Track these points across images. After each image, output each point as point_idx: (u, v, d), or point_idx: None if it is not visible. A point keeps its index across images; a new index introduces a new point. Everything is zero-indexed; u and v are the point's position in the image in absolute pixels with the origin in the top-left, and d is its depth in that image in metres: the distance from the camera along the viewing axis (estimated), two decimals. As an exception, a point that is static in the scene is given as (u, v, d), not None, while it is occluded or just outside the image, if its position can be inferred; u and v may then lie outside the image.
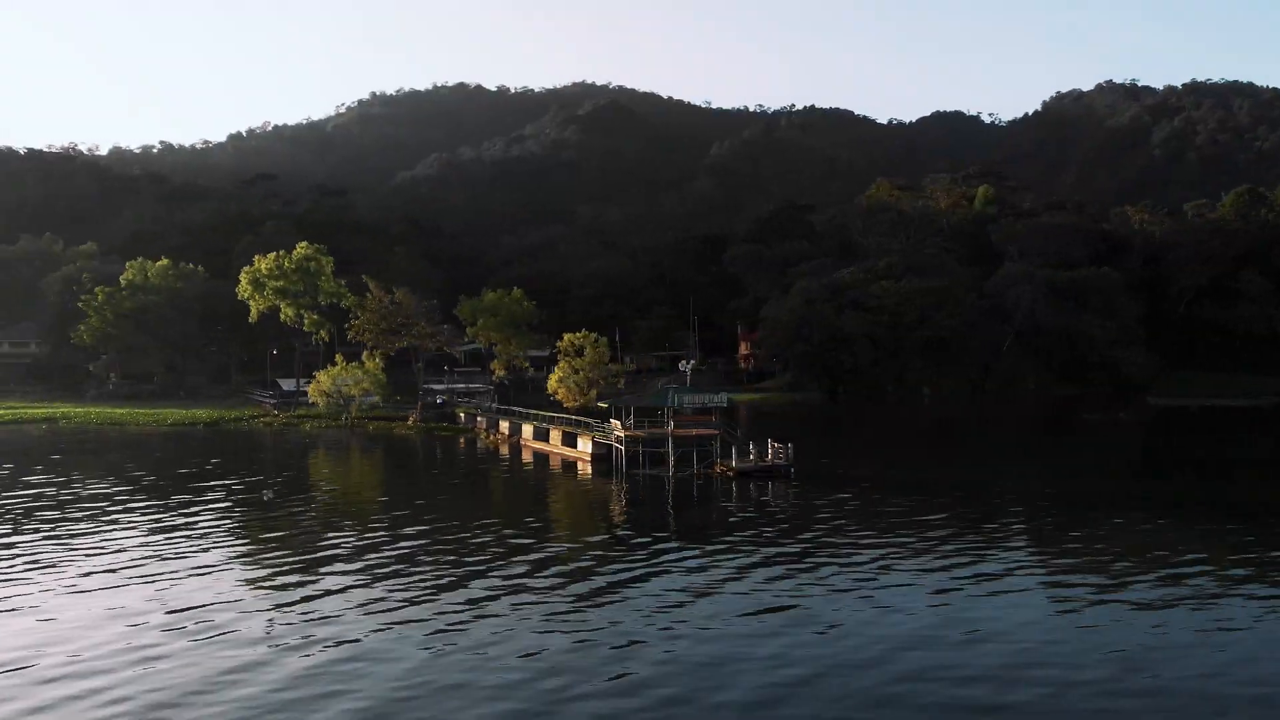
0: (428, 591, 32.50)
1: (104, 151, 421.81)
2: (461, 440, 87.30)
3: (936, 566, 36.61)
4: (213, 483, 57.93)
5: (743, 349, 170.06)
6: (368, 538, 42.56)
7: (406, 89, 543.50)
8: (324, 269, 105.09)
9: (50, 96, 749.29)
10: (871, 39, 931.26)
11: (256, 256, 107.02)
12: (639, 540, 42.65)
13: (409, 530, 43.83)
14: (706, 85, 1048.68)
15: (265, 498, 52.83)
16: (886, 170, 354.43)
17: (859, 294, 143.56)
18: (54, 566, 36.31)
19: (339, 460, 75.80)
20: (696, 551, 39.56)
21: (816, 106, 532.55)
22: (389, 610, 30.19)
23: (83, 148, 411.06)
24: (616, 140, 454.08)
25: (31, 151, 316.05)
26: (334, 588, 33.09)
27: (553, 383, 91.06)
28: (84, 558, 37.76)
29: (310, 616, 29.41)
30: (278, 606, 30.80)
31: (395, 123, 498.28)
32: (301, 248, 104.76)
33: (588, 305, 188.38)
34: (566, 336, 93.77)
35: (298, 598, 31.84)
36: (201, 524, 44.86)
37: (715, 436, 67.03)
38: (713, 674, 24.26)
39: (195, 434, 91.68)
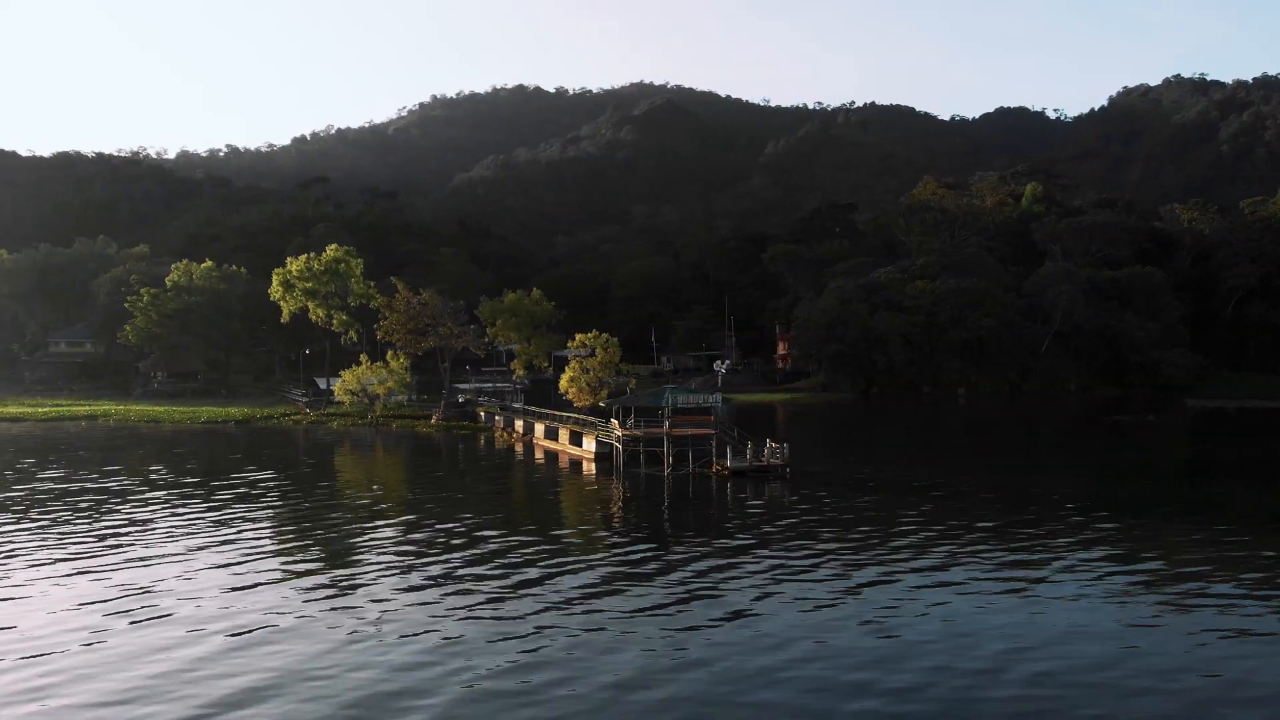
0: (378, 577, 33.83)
1: (172, 155, 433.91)
2: (480, 439, 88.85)
3: (888, 569, 36.60)
4: (228, 478, 59.85)
5: (780, 349, 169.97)
6: (354, 529, 44.14)
7: (466, 92, 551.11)
8: (353, 270, 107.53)
9: (123, 102, 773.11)
10: (935, 35, 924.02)
11: (289, 258, 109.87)
12: (610, 538, 43.84)
13: (389, 523, 45.33)
14: (766, 83, 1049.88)
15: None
16: (946, 168, 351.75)
17: (893, 294, 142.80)
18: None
19: (355, 456, 77.59)
20: (658, 549, 40.31)
21: (877, 103, 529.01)
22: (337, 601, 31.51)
23: (152, 152, 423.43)
24: (672, 140, 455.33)
25: (99, 155, 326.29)
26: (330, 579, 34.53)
27: (564, 383, 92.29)
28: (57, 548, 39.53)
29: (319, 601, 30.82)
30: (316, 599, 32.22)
31: (454, 125, 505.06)
32: (331, 250, 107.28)
33: (628, 305, 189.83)
34: (579, 336, 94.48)
35: (300, 588, 33.31)
36: (189, 515, 46.53)
37: (711, 436, 67.81)
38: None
39: (224, 431, 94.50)
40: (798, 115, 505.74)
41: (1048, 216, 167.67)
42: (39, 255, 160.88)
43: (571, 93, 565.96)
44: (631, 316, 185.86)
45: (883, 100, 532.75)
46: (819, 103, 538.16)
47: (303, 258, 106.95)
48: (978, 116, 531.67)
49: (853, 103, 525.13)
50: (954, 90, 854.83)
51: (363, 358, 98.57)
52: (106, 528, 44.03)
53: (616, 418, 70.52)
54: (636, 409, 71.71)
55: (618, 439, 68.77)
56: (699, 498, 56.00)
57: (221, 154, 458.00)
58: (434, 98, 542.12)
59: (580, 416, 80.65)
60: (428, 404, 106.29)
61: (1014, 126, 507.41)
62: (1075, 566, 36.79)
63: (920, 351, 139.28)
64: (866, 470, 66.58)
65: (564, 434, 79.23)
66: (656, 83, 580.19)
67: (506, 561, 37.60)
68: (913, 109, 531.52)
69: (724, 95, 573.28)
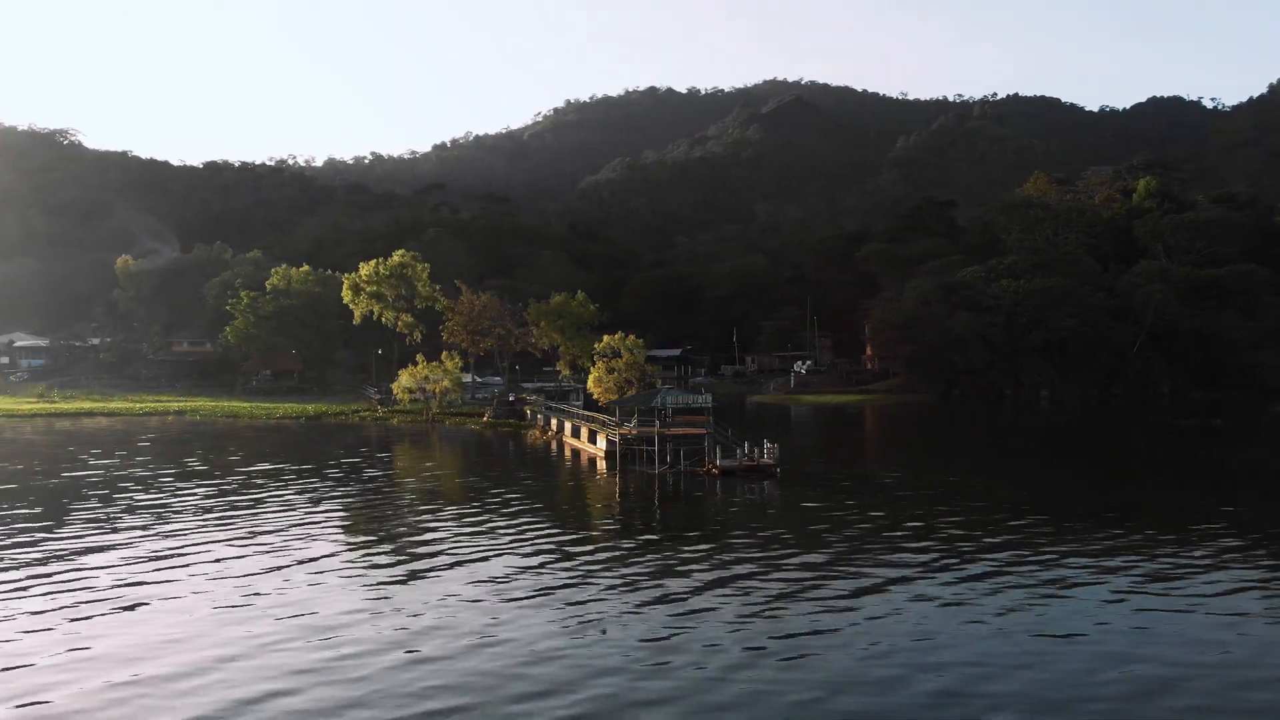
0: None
1: (319, 163, 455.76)
2: (522, 436, 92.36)
3: (843, 573, 36.17)
4: (263, 466, 64.55)
5: (868, 350, 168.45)
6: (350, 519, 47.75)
7: (599, 95, 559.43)
8: (419, 274, 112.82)
9: (276, 113, 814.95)
10: (1085, 22, 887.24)
11: (361, 263, 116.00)
12: (578, 530, 46.00)
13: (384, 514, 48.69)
14: (904, 77, 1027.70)
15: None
16: (1089, 160, 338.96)
17: (973, 293, 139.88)
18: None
19: (391, 448, 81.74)
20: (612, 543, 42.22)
21: (1020, 95, 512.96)
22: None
23: (301, 160, 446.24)
24: (799, 137, 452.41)
25: (245, 164, 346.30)
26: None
27: (590, 383, 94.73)
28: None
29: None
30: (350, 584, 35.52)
31: (586, 129, 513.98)
32: (398, 255, 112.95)
33: (718, 305, 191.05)
34: (605, 338, 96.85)
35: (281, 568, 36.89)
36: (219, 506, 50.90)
37: (704, 436, 69.33)
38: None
39: (292, 426, 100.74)
40: (933, 109, 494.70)
41: (1152, 213, 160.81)
42: (161, 260, 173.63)
43: (703, 92, 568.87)
44: (722, 316, 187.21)
45: (1026, 92, 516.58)
46: (958, 95, 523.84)
47: (372, 263, 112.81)
48: (1128, 107, 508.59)
49: (994, 95, 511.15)
50: (1104, 80, 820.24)
51: (419, 358, 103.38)
52: (114, 512, 48.66)
53: (616, 418, 72.83)
54: (646, 410, 73.97)
55: (620, 438, 71.20)
56: (680, 495, 57.39)
57: (366, 161, 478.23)
58: (567, 102, 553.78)
59: (601, 416, 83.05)
60: (483, 401, 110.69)
61: (1167, 117, 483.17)
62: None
63: (1001, 353, 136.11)
64: (861, 472, 66.88)
65: (584, 432, 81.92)
66: (790, 79, 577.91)
67: (426, 547, 40.14)
68: (1058, 100, 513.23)
69: (860, 90, 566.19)
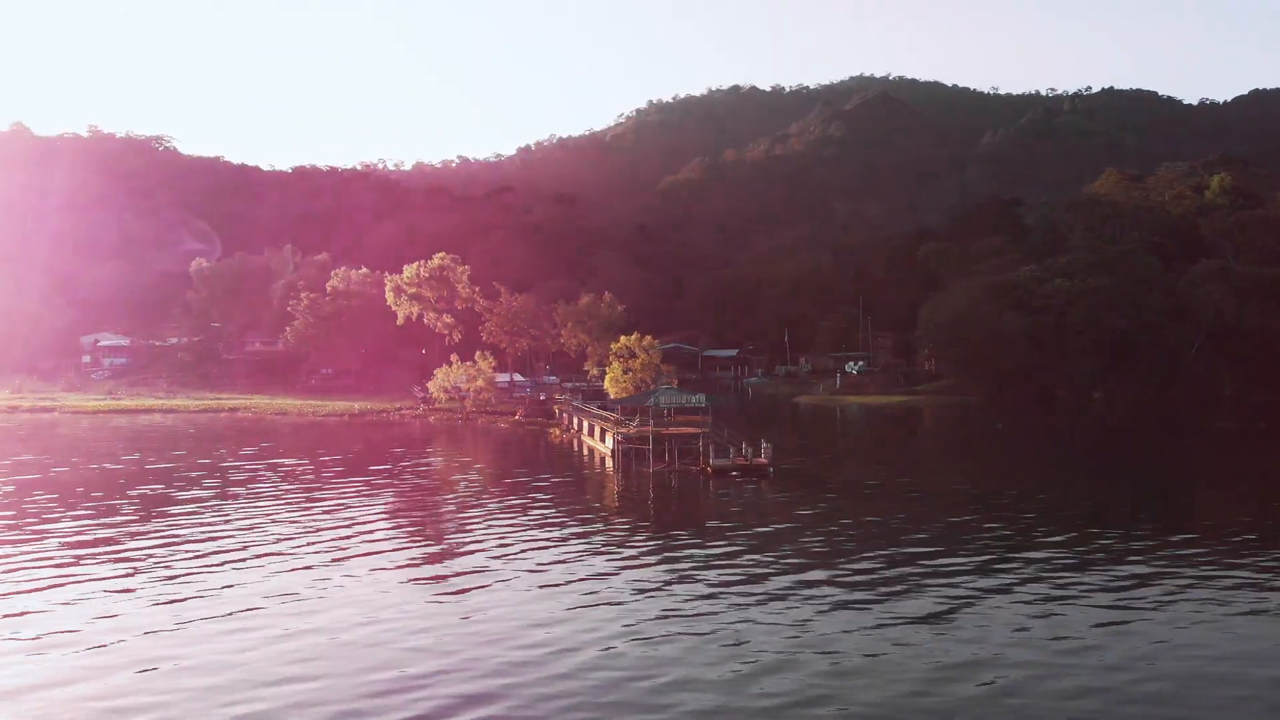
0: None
1: (408, 167, 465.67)
2: (547, 433, 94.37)
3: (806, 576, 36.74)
4: (269, 461, 67.79)
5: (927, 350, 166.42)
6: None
7: (682, 95, 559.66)
8: (460, 276, 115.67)
9: (366, 118, 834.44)
10: (1184, 13, 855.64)
11: (405, 266, 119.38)
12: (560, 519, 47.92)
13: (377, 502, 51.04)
14: (995, 71, 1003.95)
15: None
16: (1184, 155, 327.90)
17: (1024, 293, 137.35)
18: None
19: (423, 443, 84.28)
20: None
21: (1115, 88, 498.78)
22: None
23: (390, 164, 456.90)
24: (882, 133, 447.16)
25: (332, 169, 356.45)
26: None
27: (608, 382, 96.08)
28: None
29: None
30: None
31: (668, 129, 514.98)
32: (438, 258, 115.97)
33: (777, 305, 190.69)
34: (622, 339, 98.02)
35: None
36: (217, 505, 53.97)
37: (698, 435, 70.42)
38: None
39: (329, 423, 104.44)
40: (1023, 104, 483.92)
41: (1221, 210, 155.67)
42: (234, 262, 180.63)
43: (788, 90, 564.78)
44: (781, 316, 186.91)
45: (1123, 85, 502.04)
46: (1051, 89, 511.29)
47: (414, 265, 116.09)
48: (1229, 100, 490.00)
49: (1088, 88, 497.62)
50: (1205, 72, 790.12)
51: (453, 358, 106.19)
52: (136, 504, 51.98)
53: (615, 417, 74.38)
54: (649, 409, 75.40)
55: (621, 437, 72.79)
56: (669, 493, 58.62)
57: (454, 164, 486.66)
58: (649, 103, 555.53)
59: (612, 416, 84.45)
60: (520, 400, 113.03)
61: (1270, 109, 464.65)
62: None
63: (1052, 354, 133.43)
64: (856, 472, 67.19)
65: (597, 430, 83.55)
66: (877, 75, 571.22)
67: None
68: (1155, 94, 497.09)
69: (950, 84, 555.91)
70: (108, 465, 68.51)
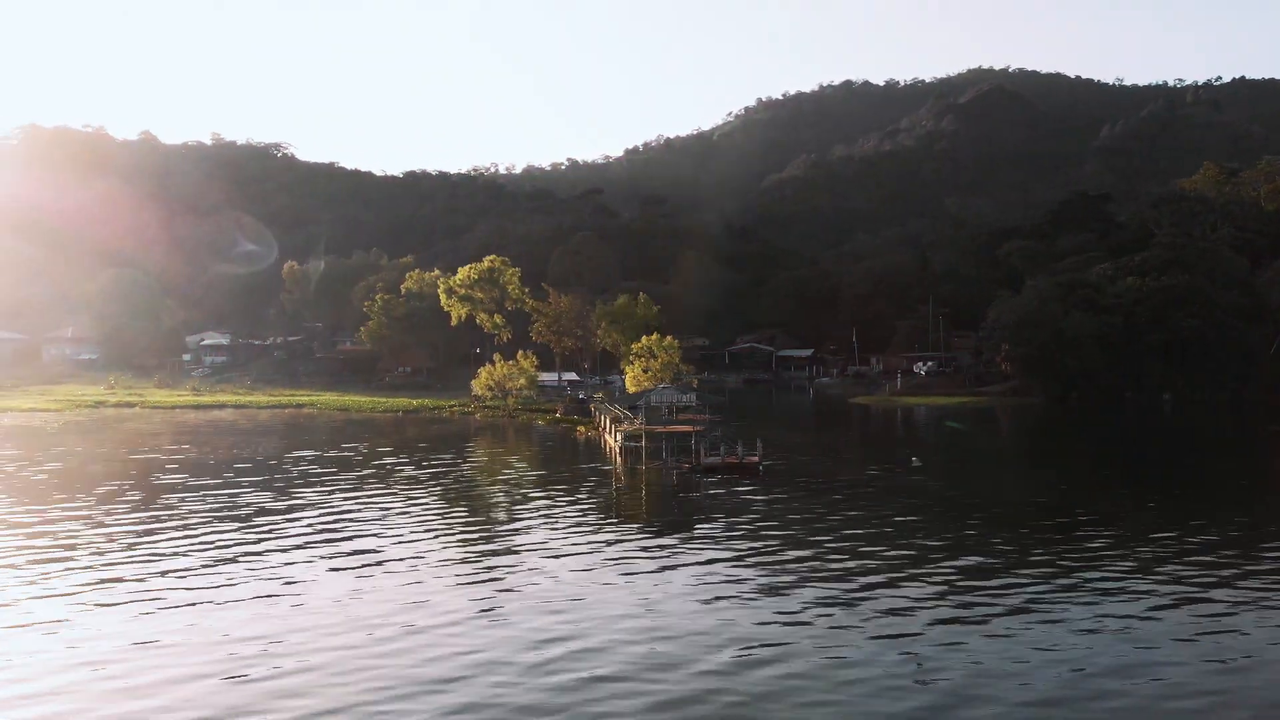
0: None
1: (518, 170, 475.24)
2: (578, 430, 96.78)
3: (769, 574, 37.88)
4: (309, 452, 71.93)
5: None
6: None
7: (792, 92, 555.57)
8: (510, 278, 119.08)
9: (483, 123, 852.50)
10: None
11: (461, 268, 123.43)
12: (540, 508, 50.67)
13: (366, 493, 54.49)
14: (1121, 62, 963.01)
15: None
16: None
17: (1091, 292, 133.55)
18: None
19: (463, 439, 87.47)
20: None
21: (1246, 78, 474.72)
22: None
23: (501, 168, 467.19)
24: (997, 127, 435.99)
25: (440, 174, 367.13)
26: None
27: (628, 381, 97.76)
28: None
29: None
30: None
31: (777, 126, 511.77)
32: (488, 260, 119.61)
33: (855, 304, 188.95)
34: (644, 339, 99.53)
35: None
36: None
37: (691, 434, 71.76)
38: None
39: (381, 419, 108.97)
40: (1147, 95, 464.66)
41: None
42: (323, 265, 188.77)
43: (902, 84, 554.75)
44: (858, 316, 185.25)
45: (1254, 74, 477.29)
46: (1179, 79, 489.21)
47: (467, 267, 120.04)
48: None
49: (1218, 78, 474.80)
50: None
51: (496, 357, 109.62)
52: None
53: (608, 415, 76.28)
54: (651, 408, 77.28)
55: (623, 435, 74.82)
56: (659, 490, 60.34)
57: (563, 168, 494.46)
58: (758, 100, 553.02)
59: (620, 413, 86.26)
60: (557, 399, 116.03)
61: None
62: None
63: (1119, 354, 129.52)
64: (848, 472, 67.54)
65: (612, 428, 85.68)
66: (996, 67, 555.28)
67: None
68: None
69: (1072, 76, 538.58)
70: (133, 455, 73.65)
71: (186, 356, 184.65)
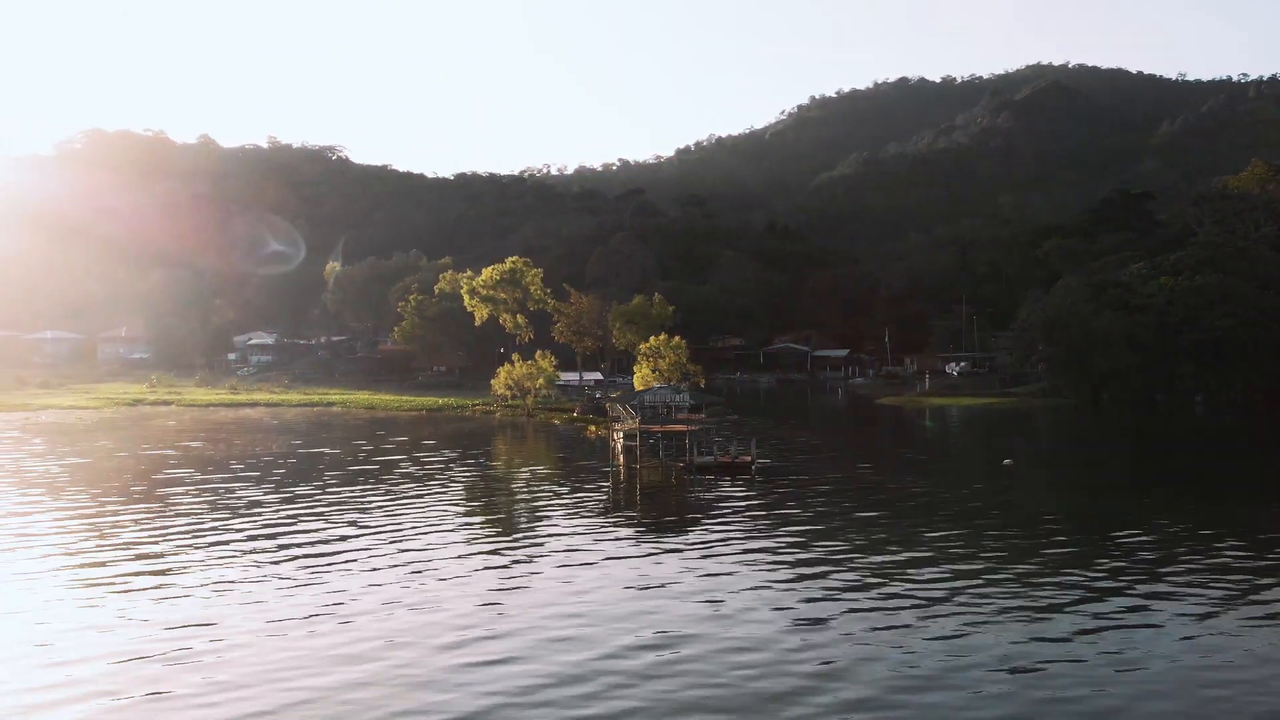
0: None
1: (570, 171, 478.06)
2: (588, 429, 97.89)
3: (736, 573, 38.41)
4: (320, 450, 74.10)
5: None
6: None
7: (846, 90, 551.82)
8: (533, 279, 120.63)
9: (537, 124, 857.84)
10: None
11: (485, 269, 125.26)
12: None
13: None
14: (1185, 57, 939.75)
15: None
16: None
17: (1122, 292, 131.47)
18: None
19: (479, 438, 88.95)
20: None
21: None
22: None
23: (553, 169, 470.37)
24: (1054, 124, 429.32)
25: (491, 175, 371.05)
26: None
27: (637, 381, 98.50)
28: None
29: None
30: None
31: (830, 124, 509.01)
32: (510, 261, 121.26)
33: (891, 304, 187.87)
34: (651, 339, 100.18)
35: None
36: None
37: (686, 434, 72.56)
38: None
39: (403, 417, 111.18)
40: (1210, 91, 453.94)
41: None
42: (365, 266, 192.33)
43: (959, 81, 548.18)
44: (895, 315, 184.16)
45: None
46: (1242, 74, 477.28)
47: (490, 269, 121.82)
48: None
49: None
50: None
51: (515, 357, 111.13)
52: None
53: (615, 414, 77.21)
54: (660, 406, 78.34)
55: (622, 434, 75.92)
56: (643, 485, 61.49)
57: (614, 168, 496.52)
58: (812, 98, 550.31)
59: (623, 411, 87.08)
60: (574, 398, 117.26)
61: None
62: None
63: (1151, 355, 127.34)
64: (840, 472, 67.80)
65: (611, 428, 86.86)
66: (1056, 63, 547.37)
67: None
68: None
69: (1133, 72, 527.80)
70: (144, 451, 76.28)
71: (232, 356, 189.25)
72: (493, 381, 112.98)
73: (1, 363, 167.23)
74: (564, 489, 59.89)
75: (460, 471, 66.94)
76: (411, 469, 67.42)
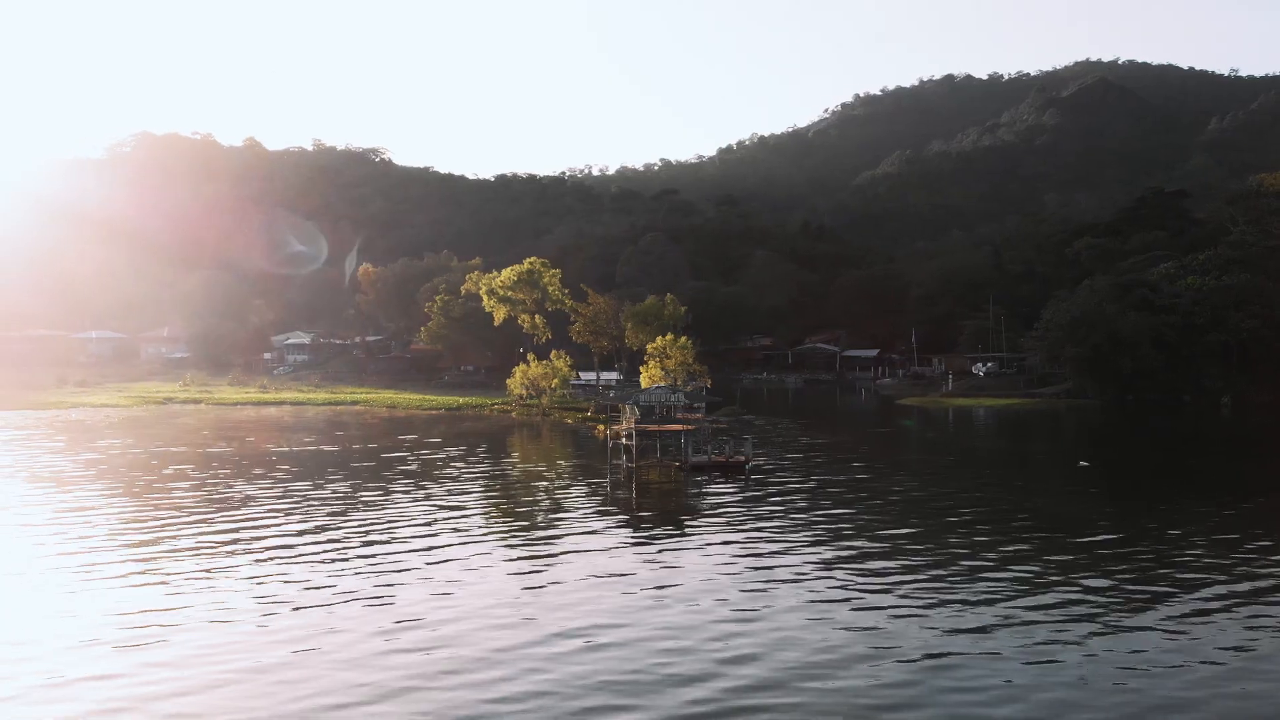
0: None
1: (612, 171, 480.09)
2: (598, 428, 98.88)
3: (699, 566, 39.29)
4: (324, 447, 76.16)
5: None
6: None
7: (891, 87, 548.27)
8: (551, 280, 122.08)
9: (582, 124, 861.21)
10: None
11: (505, 270, 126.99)
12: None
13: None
14: (1238, 52, 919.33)
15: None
16: None
17: (1148, 292, 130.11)
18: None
19: (489, 436, 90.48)
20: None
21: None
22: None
23: (595, 169, 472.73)
24: (1101, 120, 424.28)
25: (531, 176, 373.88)
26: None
27: (644, 381, 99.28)
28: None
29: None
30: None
31: (874, 123, 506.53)
32: (529, 262, 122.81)
33: (921, 304, 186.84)
34: (658, 339, 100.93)
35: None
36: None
37: (680, 433, 73.39)
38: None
39: (420, 416, 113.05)
40: (1260, 86, 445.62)
41: None
42: (397, 267, 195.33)
43: (1006, 78, 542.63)
44: (925, 315, 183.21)
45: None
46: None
47: (510, 269, 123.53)
48: None
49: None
50: None
51: (530, 357, 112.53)
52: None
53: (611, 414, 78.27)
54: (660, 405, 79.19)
55: (616, 433, 76.89)
56: (635, 485, 62.42)
57: (655, 167, 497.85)
58: (856, 97, 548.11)
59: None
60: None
61: None
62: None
63: (1177, 356, 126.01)
64: (832, 471, 68.30)
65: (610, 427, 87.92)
66: (1105, 59, 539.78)
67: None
68: None
69: (1184, 68, 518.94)
70: (156, 448, 78.68)
71: (268, 355, 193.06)
72: (508, 381, 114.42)
73: (47, 362, 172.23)
74: (557, 486, 61.05)
75: (457, 469, 68.15)
76: (410, 466, 68.87)
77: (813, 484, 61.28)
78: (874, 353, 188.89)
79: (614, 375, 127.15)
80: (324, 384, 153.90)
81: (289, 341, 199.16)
